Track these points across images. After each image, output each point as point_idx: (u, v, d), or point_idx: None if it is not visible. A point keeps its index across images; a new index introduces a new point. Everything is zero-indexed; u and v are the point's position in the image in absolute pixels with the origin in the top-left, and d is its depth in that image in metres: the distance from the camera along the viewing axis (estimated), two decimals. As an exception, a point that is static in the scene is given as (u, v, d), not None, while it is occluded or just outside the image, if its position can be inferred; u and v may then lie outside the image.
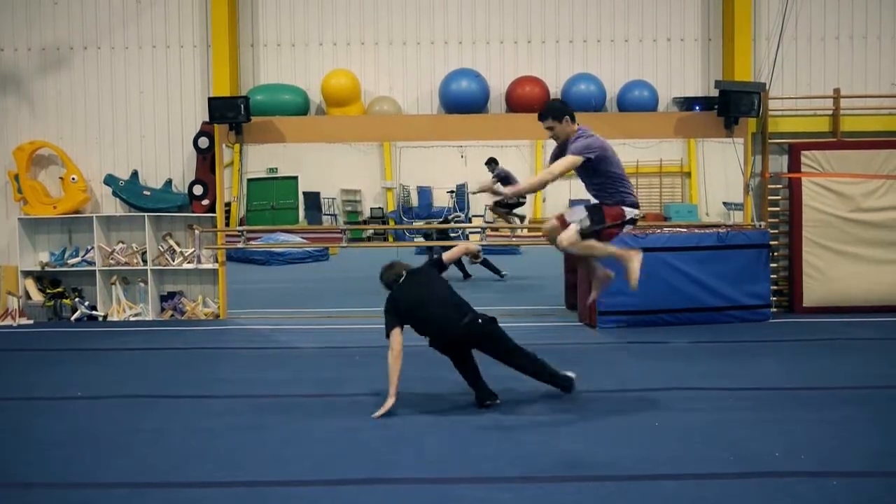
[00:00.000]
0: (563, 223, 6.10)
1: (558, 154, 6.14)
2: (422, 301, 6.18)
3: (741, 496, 4.44)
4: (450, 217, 16.38)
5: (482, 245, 13.02)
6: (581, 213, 6.01)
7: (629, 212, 6.01)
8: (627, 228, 6.26)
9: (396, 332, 6.11)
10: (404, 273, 6.37)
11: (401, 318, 6.16)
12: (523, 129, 10.69)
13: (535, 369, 6.36)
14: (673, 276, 9.44)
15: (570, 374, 6.48)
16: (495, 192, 6.48)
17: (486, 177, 13.86)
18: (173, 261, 10.60)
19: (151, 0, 10.65)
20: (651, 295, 9.36)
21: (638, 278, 6.01)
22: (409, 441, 5.43)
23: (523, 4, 10.74)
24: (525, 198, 13.91)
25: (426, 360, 7.07)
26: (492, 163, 13.95)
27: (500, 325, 6.25)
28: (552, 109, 6.06)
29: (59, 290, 10.64)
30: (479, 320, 6.13)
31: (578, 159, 5.82)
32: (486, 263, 13.57)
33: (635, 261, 6.02)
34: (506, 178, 13.31)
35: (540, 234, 6.63)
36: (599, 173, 5.96)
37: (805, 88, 10.62)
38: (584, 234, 5.91)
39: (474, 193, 12.61)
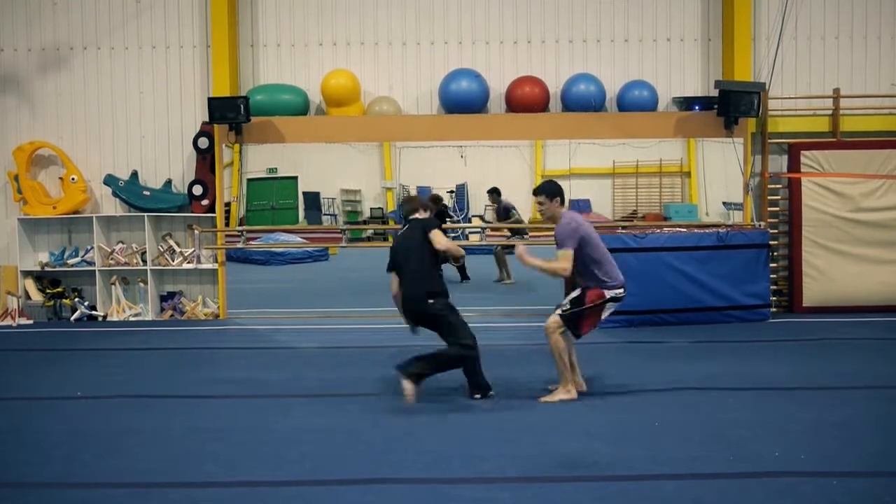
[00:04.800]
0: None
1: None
2: (400, 259, 6.50)
3: (741, 496, 4.44)
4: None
5: (483, 245, 13.12)
6: (565, 299, 6.53)
7: (610, 293, 6.37)
8: (610, 307, 6.47)
9: (393, 274, 6.50)
10: (412, 216, 6.62)
11: (393, 262, 6.54)
12: (523, 130, 10.73)
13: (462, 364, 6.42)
14: (673, 276, 9.44)
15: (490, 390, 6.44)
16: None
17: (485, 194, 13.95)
18: (173, 261, 10.60)
19: (151, 0, 10.65)
20: (651, 295, 9.39)
21: (555, 400, 6.35)
22: (409, 441, 5.42)
23: (523, 4, 10.74)
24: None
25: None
26: (494, 192, 13.90)
27: (456, 312, 6.41)
28: (546, 188, 6.53)
29: (59, 290, 10.64)
30: (431, 300, 6.35)
31: (570, 252, 6.27)
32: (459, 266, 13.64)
33: (564, 395, 6.39)
34: (507, 210, 13.46)
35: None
36: (581, 256, 6.35)
37: (805, 88, 10.62)
38: (567, 319, 6.35)
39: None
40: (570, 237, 6.30)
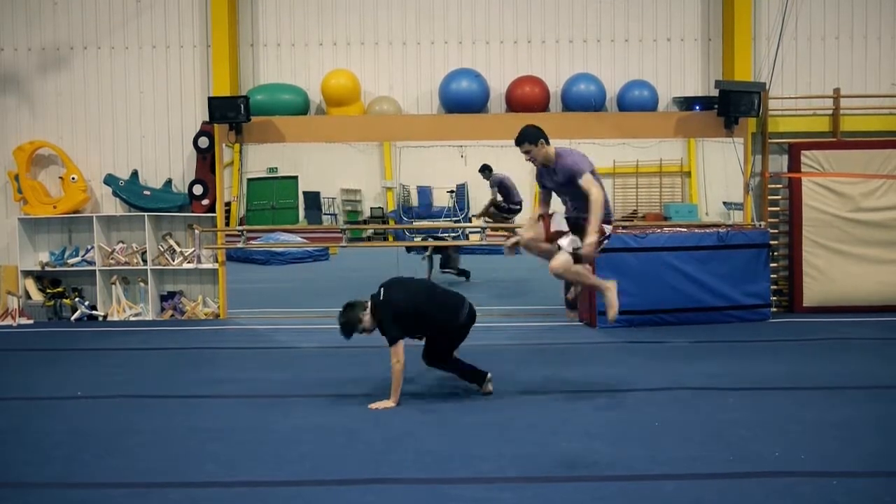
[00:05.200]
0: (548, 236, 6.35)
1: (545, 174, 6.40)
2: (424, 301, 6.36)
3: (741, 496, 4.44)
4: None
5: (482, 244, 13.12)
6: (569, 236, 6.27)
7: (607, 229, 6.27)
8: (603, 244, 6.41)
9: (401, 343, 6.20)
10: (382, 289, 6.42)
11: (405, 327, 6.24)
12: (523, 129, 10.68)
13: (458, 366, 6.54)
14: (673, 276, 9.45)
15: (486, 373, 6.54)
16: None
17: (483, 182, 13.89)
18: (173, 261, 10.60)
19: (151, 0, 10.65)
20: (651, 295, 9.39)
21: (617, 308, 6.23)
22: (409, 441, 5.42)
23: (523, 4, 10.74)
24: (520, 205, 13.81)
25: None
26: (486, 170, 13.86)
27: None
28: (527, 135, 6.28)
29: (59, 289, 10.64)
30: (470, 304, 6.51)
31: (591, 177, 6.06)
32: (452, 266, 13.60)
33: (612, 291, 6.27)
34: (502, 184, 13.37)
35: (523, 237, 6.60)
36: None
37: (805, 88, 10.62)
38: (578, 257, 6.19)
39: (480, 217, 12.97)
40: (585, 160, 6.12)
